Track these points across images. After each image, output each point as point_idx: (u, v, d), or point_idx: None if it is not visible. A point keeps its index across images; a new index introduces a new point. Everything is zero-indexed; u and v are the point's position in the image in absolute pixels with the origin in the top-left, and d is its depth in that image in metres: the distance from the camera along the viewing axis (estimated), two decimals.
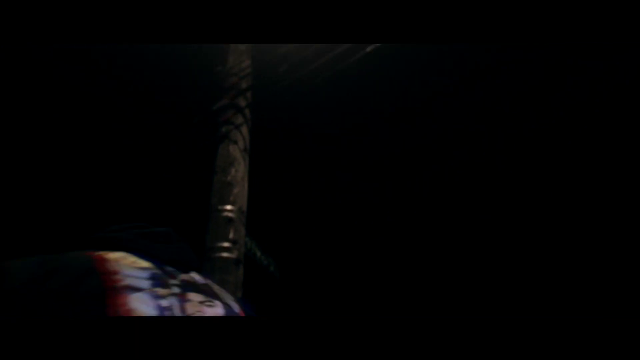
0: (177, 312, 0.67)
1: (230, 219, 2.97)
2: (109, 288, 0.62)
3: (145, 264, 0.72)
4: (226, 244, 2.90)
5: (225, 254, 2.85)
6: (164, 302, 0.67)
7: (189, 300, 0.69)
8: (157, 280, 0.69)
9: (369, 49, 3.52)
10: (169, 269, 0.75)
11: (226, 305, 0.75)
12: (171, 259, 0.78)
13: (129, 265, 0.69)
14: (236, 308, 0.77)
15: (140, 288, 0.65)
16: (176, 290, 0.70)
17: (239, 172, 3.20)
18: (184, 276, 0.75)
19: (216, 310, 0.72)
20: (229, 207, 3.04)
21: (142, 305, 0.63)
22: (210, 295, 0.75)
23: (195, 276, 0.78)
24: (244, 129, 3.55)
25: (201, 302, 0.71)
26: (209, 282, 0.80)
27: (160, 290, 0.68)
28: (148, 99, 4.62)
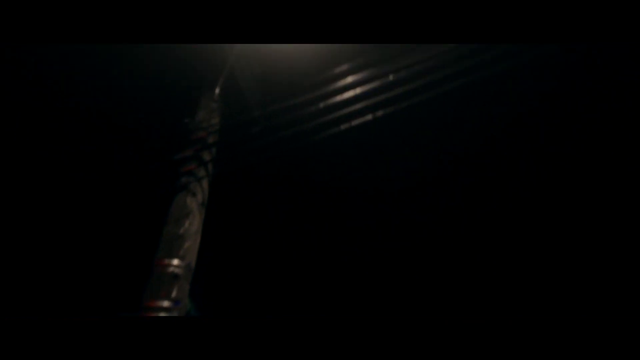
0: None
1: (175, 275, 2.70)
2: None
3: None
4: (167, 304, 2.59)
5: (163, 315, 2.53)
6: None
7: None
8: None
9: (343, 126, 3.63)
10: None
11: None
12: None
13: None
14: None
15: None
16: None
17: (194, 225, 2.99)
18: None
19: None
20: (176, 262, 2.78)
21: None
22: None
23: None
24: (205, 183, 3.41)
25: None
26: None
27: None
28: (103, 138, 4.37)
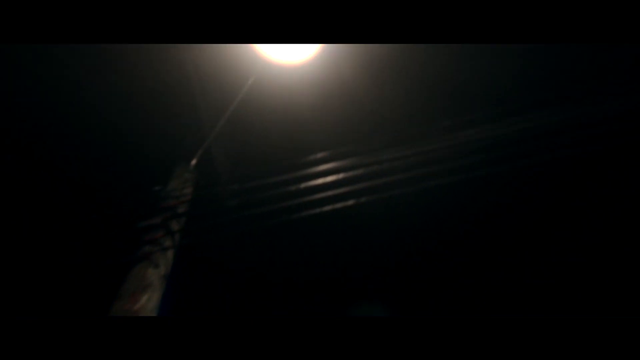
0: None
1: None
2: None
3: None
4: None
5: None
6: None
7: None
8: None
9: (326, 208, 3.53)
10: None
11: None
12: None
13: None
14: None
15: None
16: None
17: (152, 301, 2.63)
18: None
19: None
20: None
21: None
22: None
23: None
24: (170, 254, 3.10)
25: None
26: None
27: None
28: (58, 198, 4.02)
